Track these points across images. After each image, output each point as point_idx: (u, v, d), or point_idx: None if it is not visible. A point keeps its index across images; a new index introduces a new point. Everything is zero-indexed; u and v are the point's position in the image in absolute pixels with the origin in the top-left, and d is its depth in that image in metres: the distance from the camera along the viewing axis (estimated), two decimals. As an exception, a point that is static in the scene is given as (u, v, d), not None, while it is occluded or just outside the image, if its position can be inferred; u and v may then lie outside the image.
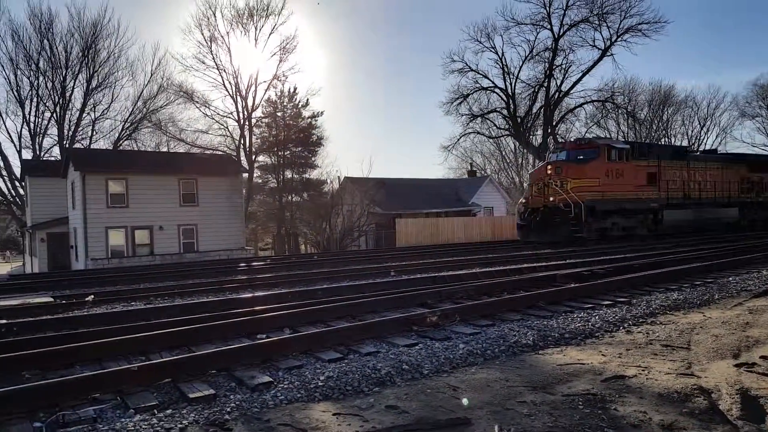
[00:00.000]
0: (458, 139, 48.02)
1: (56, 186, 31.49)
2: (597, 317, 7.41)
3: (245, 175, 36.64)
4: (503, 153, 63.50)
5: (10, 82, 41.85)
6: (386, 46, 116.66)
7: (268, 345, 5.93)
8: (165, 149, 44.83)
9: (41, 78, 42.24)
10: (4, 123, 43.82)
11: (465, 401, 4.35)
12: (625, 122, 57.88)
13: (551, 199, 22.59)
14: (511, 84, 45.58)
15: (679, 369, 5.10)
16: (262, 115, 42.06)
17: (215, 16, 41.37)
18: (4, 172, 42.74)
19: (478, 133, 49.41)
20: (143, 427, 3.98)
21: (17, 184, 41.81)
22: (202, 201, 29.51)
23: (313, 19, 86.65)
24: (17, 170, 40.88)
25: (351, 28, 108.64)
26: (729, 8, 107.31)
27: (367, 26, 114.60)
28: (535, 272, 12.35)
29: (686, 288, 9.72)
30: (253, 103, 40.53)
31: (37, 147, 43.02)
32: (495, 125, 48.30)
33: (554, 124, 45.99)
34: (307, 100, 43.11)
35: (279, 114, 42.15)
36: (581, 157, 23.08)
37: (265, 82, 41.00)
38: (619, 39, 42.51)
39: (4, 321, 8.43)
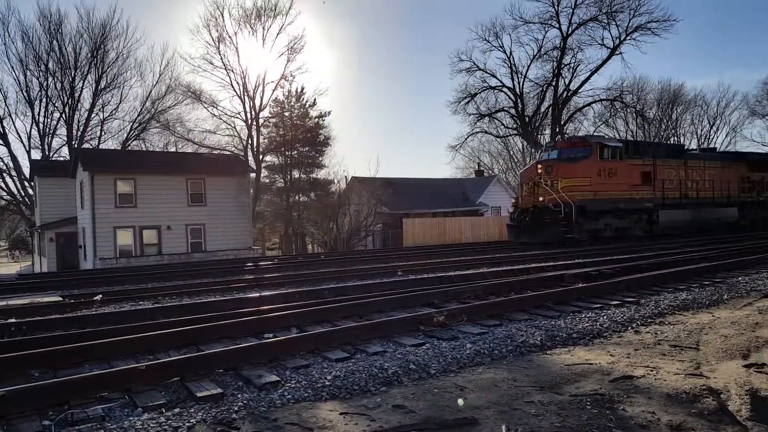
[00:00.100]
0: (466, 139, 47.96)
1: (65, 186, 31.67)
2: (605, 317, 7.38)
3: (252, 175, 36.74)
4: (511, 152, 63.30)
5: (19, 83, 42.20)
6: (393, 45, 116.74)
7: (276, 344, 5.93)
8: (173, 149, 45.04)
9: (50, 78, 42.54)
10: (14, 123, 44.23)
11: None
12: (633, 121, 57.63)
13: (541, 199, 22.00)
14: (519, 83, 45.59)
15: (688, 369, 5.07)
16: (270, 115, 42.24)
17: (223, 17, 41.75)
18: (13, 172, 43.09)
19: (486, 132, 49.43)
20: (151, 425, 4.00)
21: (26, 184, 42.07)
22: (209, 201, 29.60)
23: (320, 19, 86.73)
24: (26, 170, 41.22)
25: (357, 28, 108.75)
26: (734, 8, 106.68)
27: (373, 26, 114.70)
28: (542, 272, 12.31)
29: (695, 288, 9.66)
30: (261, 103, 40.68)
31: (46, 147, 43.33)
32: (503, 124, 48.31)
33: (562, 123, 45.85)
34: (314, 99, 43.29)
35: (286, 114, 42.29)
36: (572, 155, 22.55)
37: (272, 82, 41.16)
38: (628, 37, 42.40)
39: (13, 320, 8.49)
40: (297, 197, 42.31)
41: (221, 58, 39.83)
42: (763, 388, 4.46)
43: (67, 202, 31.56)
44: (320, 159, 44.41)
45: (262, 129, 41.29)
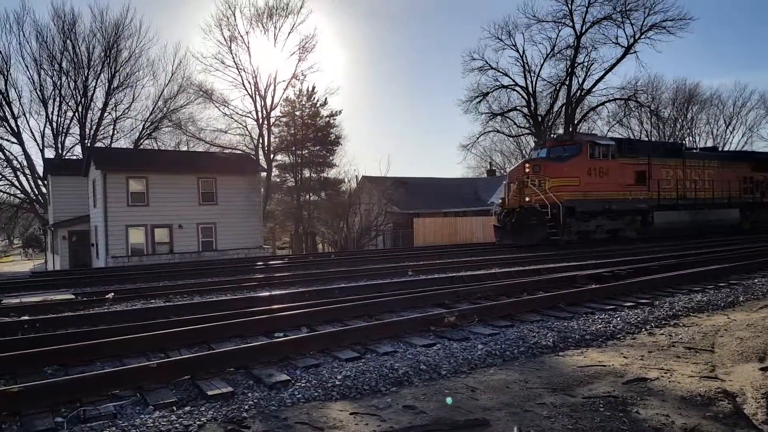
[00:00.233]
0: (477, 138, 47.64)
1: (78, 184, 31.94)
2: (618, 319, 7.31)
3: (263, 174, 36.83)
4: (523, 152, 62.94)
5: (33, 82, 42.68)
6: (404, 44, 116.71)
7: (286, 343, 5.93)
8: (184, 148, 45.26)
9: (64, 78, 42.98)
10: (28, 122, 45.01)
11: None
12: (648, 121, 57.11)
13: (527, 199, 20.97)
14: (531, 82, 45.28)
15: (703, 372, 5.00)
16: (281, 114, 42.30)
17: (235, 16, 41.56)
18: (27, 171, 43.57)
19: (498, 131, 49.24)
20: (162, 423, 4.00)
21: (40, 182, 42.50)
22: (220, 200, 29.73)
23: (331, 18, 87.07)
24: (40, 169, 41.55)
25: (369, 27, 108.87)
26: (750, 7, 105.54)
27: (385, 24, 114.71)
28: (554, 273, 12.22)
29: (710, 290, 9.54)
30: (272, 103, 40.76)
31: (59, 146, 43.78)
32: (515, 124, 48.08)
33: (576, 122, 45.49)
34: (326, 99, 43.28)
35: (297, 113, 42.33)
36: (561, 154, 21.59)
37: (284, 81, 41.19)
38: (643, 36, 41.89)
39: (26, 317, 8.56)
40: (308, 196, 42.36)
41: (233, 57, 39.96)
42: (780, 391, 4.39)
43: (79, 201, 31.83)
44: (331, 158, 44.49)
45: (273, 128, 41.39)
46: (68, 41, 42.59)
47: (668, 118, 58.88)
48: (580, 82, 44.87)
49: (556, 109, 45.81)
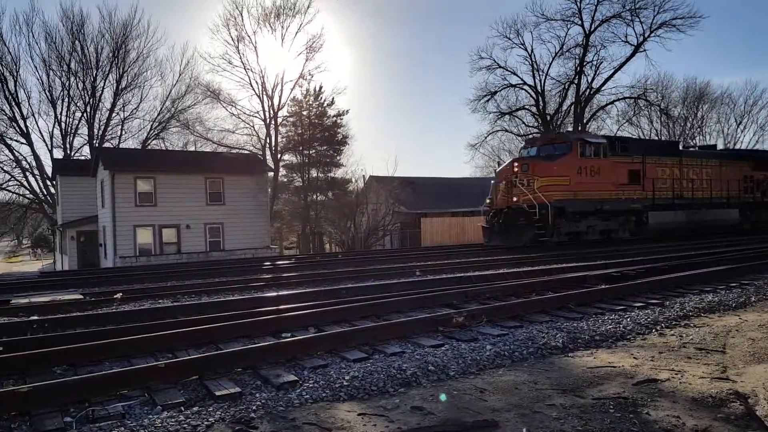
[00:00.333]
0: (486, 137, 47.44)
1: (86, 185, 32.11)
2: (628, 319, 7.25)
3: (271, 174, 36.94)
4: (530, 152, 62.75)
5: (42, 83, 43.00)
6: (412, 43, 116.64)
7: (294, 344, 5.92)
8: (192, 149, 45.46)
9: (72, 78, 43.26)
10: (37, 123, 45.01)
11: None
12: (658, 119, 56.72)
13: (515, 199, 20.46)
14: (540, 81, 45.07)
15: (714, 373, 4.95)
16: (288, 114, 42.44)
17: (242, 16, 41.86)
18: (35, 171, 43.89)
19: (506, 131, 48.95)
20: (170, 423, 4.00)
21: (49, 183, 42.77)
22: (228, 200, 29.79)
23: (339, 18, 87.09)
24: (49, 169, 41.84)
25: (377, 27, 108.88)
26: (762, 6, 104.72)
27: (392, 24, 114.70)
28: (564, 273, 12.17)
29: (721, 290, 9.46)
30: (279, 102, 40.90)
31: (67, 146, 44.05)
32: (523, 123, 47.79)
33: (585, 121, 45.27)
34: (333, 98, 43.38)
35: (304, 113, 42.42)
36: (551, 153, 21.04)
37: (291, 81, 41.36)
38: (653, 34, 41.60)
39: (35, 317, 8.59)
40: (315, 196, 42.43)
41: (240, 57, 40.18)
42: (793, 393, 4.34)
43: (88, 201, 32.00)
44: (338, 158, 44.55)
45: (280, 128, 41.53)
46: (77, 42, 42.92)
47: (678, 117, 58.47)
48: (589, 81, 44.68)
49: (565, 108, 45.66)
